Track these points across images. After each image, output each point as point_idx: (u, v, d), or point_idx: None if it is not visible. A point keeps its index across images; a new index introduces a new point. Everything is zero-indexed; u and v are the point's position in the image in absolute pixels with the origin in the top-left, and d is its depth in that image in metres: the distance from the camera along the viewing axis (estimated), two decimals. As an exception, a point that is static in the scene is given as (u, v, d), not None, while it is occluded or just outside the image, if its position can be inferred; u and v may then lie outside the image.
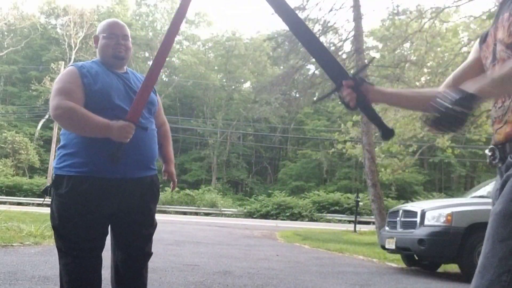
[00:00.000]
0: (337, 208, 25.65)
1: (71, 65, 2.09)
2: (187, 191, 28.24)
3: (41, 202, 24.13)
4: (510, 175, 1.25)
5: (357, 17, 11.61)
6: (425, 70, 13.49)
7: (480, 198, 6.41)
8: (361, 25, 11.74)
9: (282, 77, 13.73)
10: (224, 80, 40.73)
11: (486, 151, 1.38)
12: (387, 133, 1.55)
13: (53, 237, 2.14)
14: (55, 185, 1.98)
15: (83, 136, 1.96)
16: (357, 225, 16.18)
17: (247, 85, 41.92)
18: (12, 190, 25.86)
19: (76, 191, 1.94)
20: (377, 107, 12.79)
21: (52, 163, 25.86)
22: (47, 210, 2.19)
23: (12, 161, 29.81)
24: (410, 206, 6.72)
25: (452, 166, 33.55)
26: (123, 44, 2.10)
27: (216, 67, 41.82)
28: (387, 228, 6.83)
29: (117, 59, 2.10)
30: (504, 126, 1.31)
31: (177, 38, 43.92)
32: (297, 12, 13.42)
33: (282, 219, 23.91)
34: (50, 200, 2.01)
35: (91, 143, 1.95)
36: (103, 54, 2.11)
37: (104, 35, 2.10)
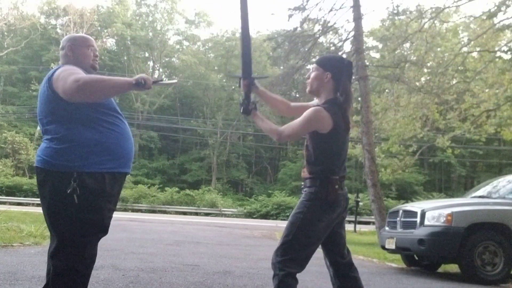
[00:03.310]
0: (337, 208, 25.59)
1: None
2: (187, 191, 28.24)
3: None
4: (301, 196, 2.36)
5: (357, 17, 11.60)
6: (425, 70, 13.49)
7: (480, 198, 6.40)
8: (361, 25, 11.73)
9: (282, 77, 13.70)
10: (224, 80, 40.71)
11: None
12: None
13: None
14: (93, 181, 2.02)
15: (114, 136, 2.09)
16: (357, 225, 16.18)
17: (247, 85, 41.83)
18: (12, 190, 25.84)
19: (107, 186, 2.06)
20: (378, 107, 12.81)
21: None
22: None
23: (12, 161, 29.77)
24: (410, 206, 6.70)
25: (452, 166, 33.54)
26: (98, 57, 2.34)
27: (216, 67, 41.78)
28: (387, 228, 6.82)
29: (94, 69, 2.30)
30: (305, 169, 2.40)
31: (177, 38, 43.97)
32: (297, 12, 13.30)
33: (282, 219, 23.90)
34: (72, 193, 2.00)
35: (119, 142, 2.10)
36: (83, 62, 2.26)
37: (83, 46, 2.27)
